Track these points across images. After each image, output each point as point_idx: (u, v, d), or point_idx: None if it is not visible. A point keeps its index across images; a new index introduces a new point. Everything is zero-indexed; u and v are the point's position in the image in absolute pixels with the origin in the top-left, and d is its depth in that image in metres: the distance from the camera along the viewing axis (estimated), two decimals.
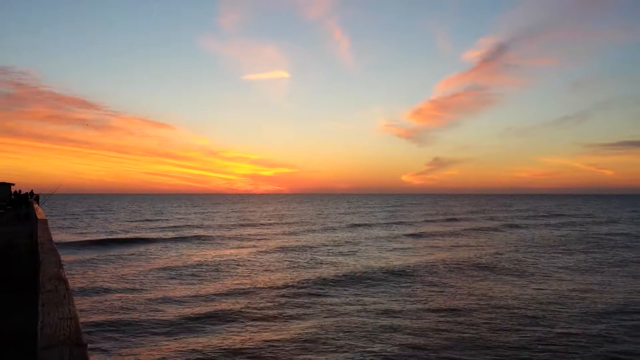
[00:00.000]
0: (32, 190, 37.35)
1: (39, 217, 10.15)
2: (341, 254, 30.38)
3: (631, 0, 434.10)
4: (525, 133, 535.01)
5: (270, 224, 58.75)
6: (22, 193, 35.34)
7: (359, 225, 56.11)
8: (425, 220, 65.26)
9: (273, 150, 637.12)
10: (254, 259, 27.83)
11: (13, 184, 35.11)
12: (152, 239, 38.95)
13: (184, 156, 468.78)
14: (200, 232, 45.87)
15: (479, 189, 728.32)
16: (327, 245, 34.95)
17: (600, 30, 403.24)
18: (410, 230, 48.42)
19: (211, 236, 41.75)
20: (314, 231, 48.66)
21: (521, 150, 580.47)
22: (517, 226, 53.81)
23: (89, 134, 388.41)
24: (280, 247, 33.50)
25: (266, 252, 31.36)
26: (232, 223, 60.13)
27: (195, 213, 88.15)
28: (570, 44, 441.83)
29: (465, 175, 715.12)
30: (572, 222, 60.13)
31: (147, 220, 65.36)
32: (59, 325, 2.27)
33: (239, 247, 34.41)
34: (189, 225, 54.22)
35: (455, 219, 66.96)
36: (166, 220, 65.47)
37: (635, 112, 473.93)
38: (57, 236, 39.37)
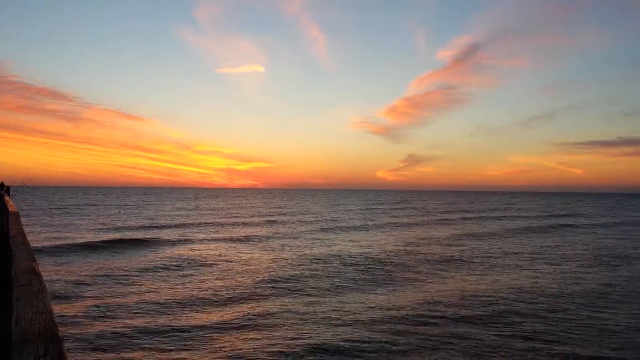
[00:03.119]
0: (2, 182, 37.26)
1: (10, 209, 10.17)
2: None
3: (602, 5, 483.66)
4: (496, 132, 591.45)
5: (306, 221, 59.43)
6: None
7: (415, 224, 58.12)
8: (469, 218, 66.78)
9: (248, 144, 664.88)
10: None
11: None
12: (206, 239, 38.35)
13: (156, 149, 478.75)
14: (252, 230, 46.86)
15: (452, 185, 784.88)
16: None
17: (571, 34, 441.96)
18: (479, 229, 50.38)
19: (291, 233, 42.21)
20: (374, 228, 50.57)
21: (492, 148, 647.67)
22: (571, 226, 55.29)
23: (61, 125, 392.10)
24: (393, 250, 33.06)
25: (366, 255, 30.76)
26: (269, 219, 61.19)
27: (204, 207, 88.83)
28: (541, 47, 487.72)
29: (439, 173, 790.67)
30: (611, 224, 60.93)
31: (152, 217, 65.11)
32: (34, 320, 2.34)
33: (330, 246, 34.86)
34: (233, 223, 54.57)
35: (497, 218, 69.23)
36: (182, 216, 65.47)
37: (603, 114, 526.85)
38: (52, 235, 38.56)
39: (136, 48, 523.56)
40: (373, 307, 17.23)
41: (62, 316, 15.34)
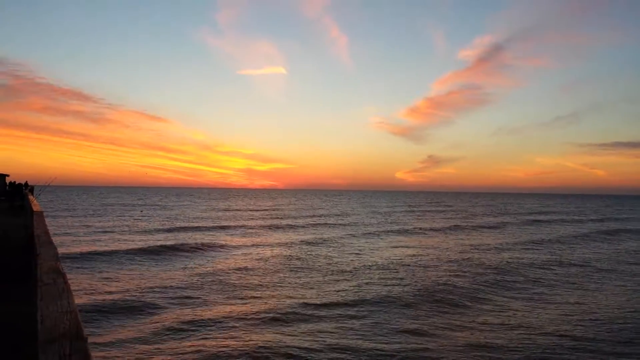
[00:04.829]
0: (26, 181, 38.61)
1: (34, 209, 10.53)
2: None
3: (624, 3, 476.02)
4: (519, 132, 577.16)
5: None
6: (16, 184, 36.58)
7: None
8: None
9: (268, 145, 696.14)
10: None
11: (7, 175, 36.44)
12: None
13: (179, 150, 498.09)
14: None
15: (473, 187, 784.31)
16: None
17: (594, 33, 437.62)
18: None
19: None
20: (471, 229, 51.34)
21: (515, 149, 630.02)
22: (631, 231, 53.76)
23: (85, 126, 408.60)
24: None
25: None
26: (325, 221, 60.30)
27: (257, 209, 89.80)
28: (563, 46, 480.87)
29: (459, 174, 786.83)
30: None
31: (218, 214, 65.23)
32: (59, 319, 2.41)
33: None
34: (289, 225, 53.58)
35: (549, 221, 67.81)
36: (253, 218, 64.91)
37: (626, 114, 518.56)
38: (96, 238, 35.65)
39: (159, 51, 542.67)
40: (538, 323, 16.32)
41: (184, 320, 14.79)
